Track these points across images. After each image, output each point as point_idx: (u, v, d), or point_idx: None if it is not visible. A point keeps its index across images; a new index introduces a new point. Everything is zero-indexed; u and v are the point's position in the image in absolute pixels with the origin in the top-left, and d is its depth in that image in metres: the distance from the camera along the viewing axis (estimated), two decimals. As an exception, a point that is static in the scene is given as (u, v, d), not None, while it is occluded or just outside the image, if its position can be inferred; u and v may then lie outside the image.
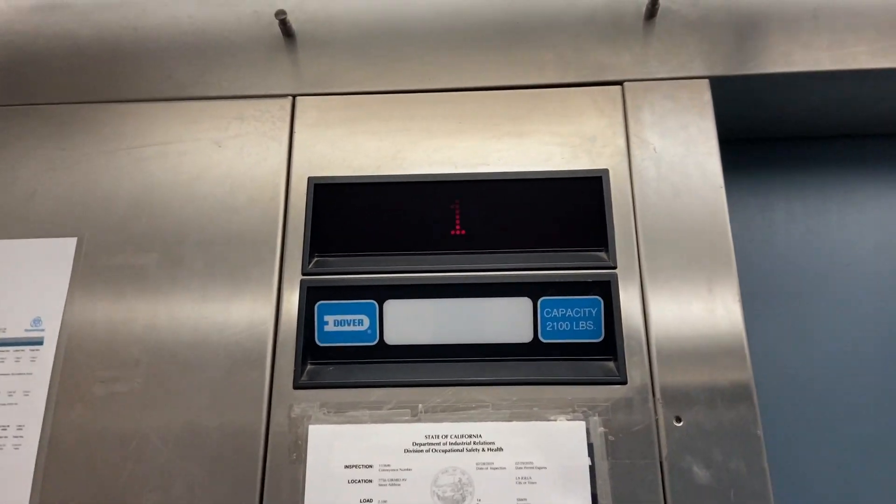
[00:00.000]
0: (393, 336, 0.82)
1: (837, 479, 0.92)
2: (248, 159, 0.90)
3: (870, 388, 0.96)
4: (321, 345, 0.82)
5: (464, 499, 0.73)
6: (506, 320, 0.82)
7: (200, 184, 0.88)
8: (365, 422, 0.77)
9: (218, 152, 0.90)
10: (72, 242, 0.86)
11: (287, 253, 0.85)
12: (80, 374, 0.80)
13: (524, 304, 0.82)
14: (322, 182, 0.87)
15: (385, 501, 0.73)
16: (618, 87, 0.91)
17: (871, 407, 0.96)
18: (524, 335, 0.81)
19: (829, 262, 0.99)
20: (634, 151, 0.87)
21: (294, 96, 0.93)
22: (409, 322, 0.82)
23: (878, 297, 0.99)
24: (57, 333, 0.82)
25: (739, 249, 0.98)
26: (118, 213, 0.88)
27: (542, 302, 0.82)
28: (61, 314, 0.83)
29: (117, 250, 0.86)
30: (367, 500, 0.73)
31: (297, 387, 0.78)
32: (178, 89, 0.94)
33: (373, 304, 0.83)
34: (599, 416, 0.76)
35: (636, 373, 0.78)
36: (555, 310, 0.82)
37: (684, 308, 0.80)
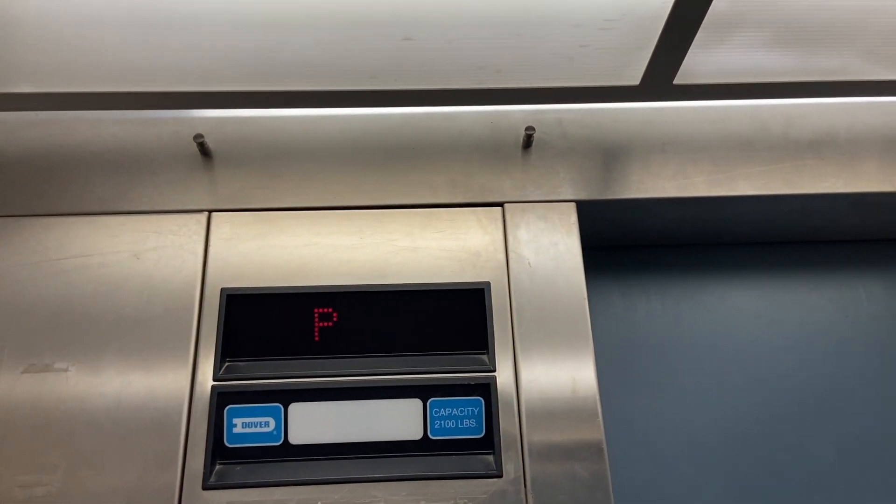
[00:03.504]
0: (297, 436, 0.91)
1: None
2: (165, 271, 0.98)
3: (716, 459, 1.11)
4: (230, 446, 0.90)
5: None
6: (399, 419, 0.92)
7: (120, 294, 0.96)
8: (268, 519, 0.85)
9: (137, 264, 0.98)
10: (-8, 352, 0.92)
11: (200, 359, 0.93)
12: (1, 479, 0.86)
13: (415, 404, 0.93)
14: (234, 293, 0.96)
15: None
16: (499, 209, 1.05)
17: (717, 476, 1.10)
18: (415, 433, 0.92)
19: (682, 353, 1.15)
20: (513, 266, 1.01)
21: (210, 212, 1.02)
22: (311, 423, 0.91)
23: (724, 380, 1.15)
24: (-26, 441, 0.87)
25: (606, 342, 1.14)
26: (40, 323, 0.94)
27: (431, 402, 0.93)
28: (-21, 422, 0.88)
29: (38, 359, 0.92)
30: None
31: (205, 488, 0.86)
32: (100, 204, 1.02)
33: (278, 406, 0.92)
34: (478, 506, 0.87)
35: (511, 466, 0.89)
36: (442, 409, 0.93)
37: (551, 402, 0.92)
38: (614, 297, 1.19)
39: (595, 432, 0.91)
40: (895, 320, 1.20)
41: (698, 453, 1.11)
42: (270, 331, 0.96)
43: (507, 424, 0.91)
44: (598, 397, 0.92)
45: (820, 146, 1.09)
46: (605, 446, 0.90)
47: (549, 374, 0.94)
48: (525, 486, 0.88)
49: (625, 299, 1.18)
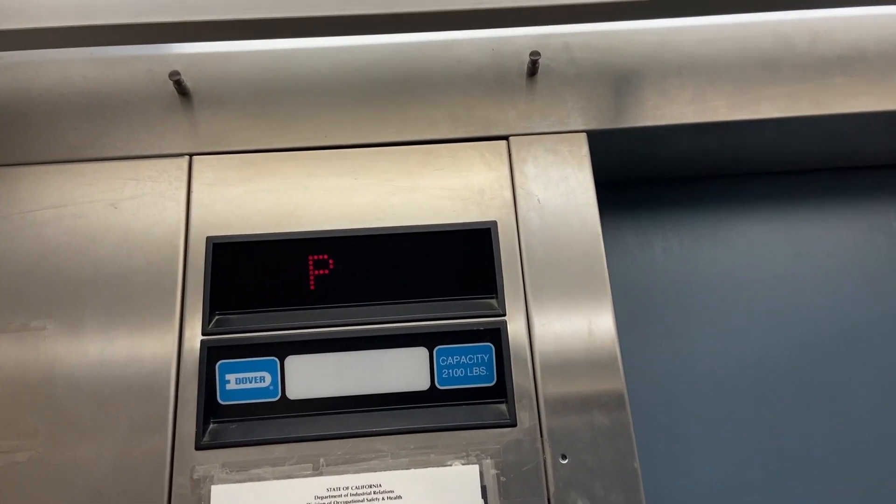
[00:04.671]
0: (295, 391, 0.85)
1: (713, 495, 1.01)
2: (145, 220, 0.91)
3: (743, 404, 1.05)
4: (223, 403, 0.84)
5: (365, 548, 0.76)
6: (404, 370, 0.86)
7: (97, 247, 0.89)
8: (267, 479, 0.79)
9: (114, 214, 0.91)
10: (-38, 312, 0.85)
11: (187, 314, 0.86)
12: (-25, 447, 0.80)
13: (421, 353, 0.86)
14: (220, 241, 0.89)
15: (288, 556, 0.76)
16: (503, 142, 0.97)
17: (744, 421, 1.04)
18: (422, 383, 0.86)
19: (703, 293, 1.08)
20: (520, 203, 0.93)
21: (191, 155, 0.94)
22: (310, 376, 0.85)
23: (748, 320, 1.08)
24: (-52, 407, 0.81)
25: (622, 284, 1.07)
26: (13, 280, 0.87)
27: (437, 351, 0.86)
28: (-48, 387, 0.82)
29: (13, 318, 0.85)
30: (271, 557, 0.76)
31: (199, 447, 0.80)
32: (72, 151, 0.94)
33: (274, 360, 0.85)
34: (492, 458, 0.81)
35: (525, 415, 0.83)
36: (450, 358, 0.86)
37: (567, 349, 0.86)
38: (629, 235, 1.11)
39: (615, 379, 0.85)
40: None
41: (724, 396, 1.05)
42: (262, 281, 0.89)
43: (519, 372, 0.85)
44: (616, 342, 0.86)
45: (849, 62, 1.01)
46: (625, 393, 0.84)
47: (563, 318, 0.87)
48: (542, 435, 0.82)
49: (640, 238, 1.11)
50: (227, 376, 0.84)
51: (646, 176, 1.13)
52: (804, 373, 1.06)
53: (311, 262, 0.90)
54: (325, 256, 0.90)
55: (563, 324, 0.87)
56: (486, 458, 0.81)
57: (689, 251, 1.10)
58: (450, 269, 0.90)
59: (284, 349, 0.86)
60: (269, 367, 0.85)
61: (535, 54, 0.97)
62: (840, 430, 1.04)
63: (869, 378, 1.06)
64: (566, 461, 0.81)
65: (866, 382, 1.06)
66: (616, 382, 0.84)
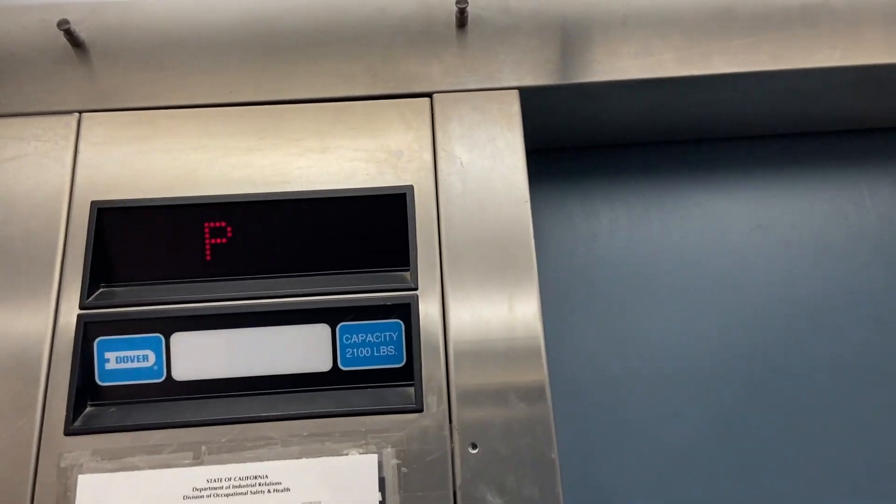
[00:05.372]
0: (182, 372, 0.77)
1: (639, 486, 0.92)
2: (27, 183, 0.82)
3: (696, 389, 0.96)
4: (102, 384, 0.76)
5: (245, 545, 0.69)
6: (303, 349, 0.78)
7: (-29, 212, 0.81)
8: (142, 468, 0.71)
9: (-7, 177, 0.83)
10: None
11: (65, 286, 0.78)
12: None
13: (323, 331, 0.78)
14: (106, 206, 0.81)
15: (159, 554, 0.68)
16: (426, 100, 0.87)
17: (697, 407, 0.96)
18: (323, 364, 0.77)
19: (654, 269, 0.99)
20: (441, 166, 0.84)
21: (80, 112, 0.86)
22: (199, 356, 0.77)
23: (702, 298, 0.99)
24: None
25: (565, 259, 0.98)
26: None
27: (341, 328, 0.78)
28: None
29: None
30: (140, 554, 0.68)
31: (68, 433, 0.72)
32: (-50, 108, 0.86)
33: (158, 337, 0.77)
34: (393, 447, 0.73)
35: (433, 399, 0.75)
36: (355, 335, 0.78)
37: (484, 329, 0.77)
38: (574, 206, 1.02)
39: (536, 365, 0.76)
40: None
41: (675, 381, 0.96)
42: (152, 250, 0.81)
43: (430, 353, 0.77)
44: (540, 321, 0.77)
45: (812, 12, 0.91)
46: (546, 378, 0.75)
47: (482, 295, 0.79)
48: (451, 422, 0.74)
49: (586, 208, 1.02)
50: (107, 355, 0.76)
51: (591, 141, 1.03)
52: (763, 355, 0.97)
53: (207, 230, 0.81)
54: (223, 224, 0.82)
55: (482, 302, 0.78)
56: (387, 447, 0.73)
57: (638, 223, 1.01)
58: (359, 238, 0.82)
59: (171, 325, 0.77)
60: (152, 345, 0.77)
61: (462, 2, 0.87)
62: (801, 417, 0.95)
63: (832, 360, 0.97)
64: (476, 451, 0.73)
65: (829, 365, 0.97)
66: (537, 369, 0.76)
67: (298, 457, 0.72)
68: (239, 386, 0.76)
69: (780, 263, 1.00)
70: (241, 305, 0.78)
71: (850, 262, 1.01)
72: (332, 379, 0.77)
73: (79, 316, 0.77)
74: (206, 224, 0.82)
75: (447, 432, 0.74)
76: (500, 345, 0.76)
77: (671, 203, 1.01)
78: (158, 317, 0.77)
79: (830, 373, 0.97)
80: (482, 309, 0.78)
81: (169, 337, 0.77)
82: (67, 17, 0.87)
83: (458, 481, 0.72)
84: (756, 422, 0.95)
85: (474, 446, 0.73)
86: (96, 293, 0.78)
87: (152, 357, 0.77)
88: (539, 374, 0.75)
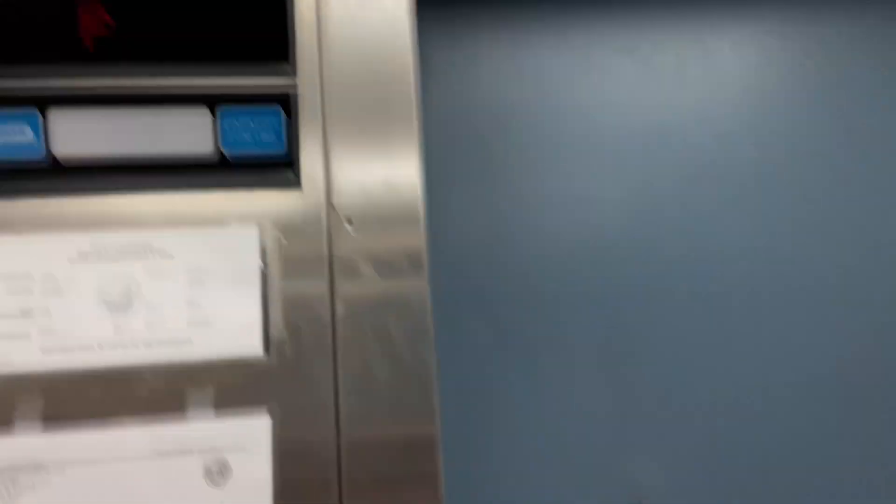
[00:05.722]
0: (62, 149, 0.78)
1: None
2: None
3: (597, 282, 0.93)
4: (-22, 159, 0.76)
5: (131, 304, 0.74)
6: (185, 132, 0.80)
7: None
8: (27, 232, 0.74)
9: None
10: None
11: (-72, 58, 0.76)
12: None
13: (203, 114, 0.81)
14: (-31, -22, 0.78)
15: (47, 309, 0.72)
16: None
17: (595, 308, 0.92)
18: (204, 147, 0.81)
19: (545, 125, 0.94)
20: (324, -42, 0.85)
21: None
22: (80, 133, 0.78)
23: (613, 158, 0.92)
24: None
25: (440, 115, 0.99)
26: None
27: (222, 113, 0.81)
28: None
29: None
30: (27, 310, 0.72)
31: (-55, 201, 0.73)
32: None
33: (34, 113, 0.77)
34: (273, 221, 0.78)
35: (312, 180, 0.80)
36: (235, 121, 0.81)
37: (364, 117, 0.82)
38: (452, 51, 1.02)
39: (415, 234, 0.81)
40: (859, 46, 0.91)
41: (573, 269, 0.91)
42: (26, 30, 0.79)
43: (308, 141, 0.81)
44: (418, 136, 0.82)
45: None
46: (425, 249, 0.80)
47: (359, 83, 0.83)
48: (329, 199, 0.80)
49: (465, 54, 1.01)
50: (-19, 130, 0.76)
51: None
52: (683, 230, 0.88)
53: (84, 17, 0.80)
54: (101, 9, 0.81)
55: (361, 92, 0.83)
56: (268, 221, 0.78)
57: (525, 68, 1.00)
58: (239, 26, 0.83)
59: (47, 101, 0.78)
60: (28, 120, 0.77)
61: None
62: (725, 300, 0.91)
63: (771, 246, 0.93)
64: (352, 226, 0.80)
65: (764, 249, 0.92)
66: (415, 234, 0.82)
67: (182, 226, 0.77)
68: (122, 166, 0.79)
69: (696, 115, 0.88)
70: (118, 87, 0.79)
71: (778, 108, 0.92)
72: (213, 161, 0.81)
73: (-53, 88, 0.76)
74: (82, 10, 0.80)
75: (325, 212, 0.80)
76: (376, 115, 0.82)
77: (564, 42, 0.94)
78: (35, 95, 0.77)
79: (770, 261, 0.91)
80: (362, 100, 0.82)
81: (46, 112, 0.78)
82: None
83: (335, 252, 0.79)
84: (673, 298, 0.91)
85: (350, 221, 0.80)
86: (-36, 68, 0.77)
87: (29, 132, 0.77)
88: (417, 234, 0.81)
